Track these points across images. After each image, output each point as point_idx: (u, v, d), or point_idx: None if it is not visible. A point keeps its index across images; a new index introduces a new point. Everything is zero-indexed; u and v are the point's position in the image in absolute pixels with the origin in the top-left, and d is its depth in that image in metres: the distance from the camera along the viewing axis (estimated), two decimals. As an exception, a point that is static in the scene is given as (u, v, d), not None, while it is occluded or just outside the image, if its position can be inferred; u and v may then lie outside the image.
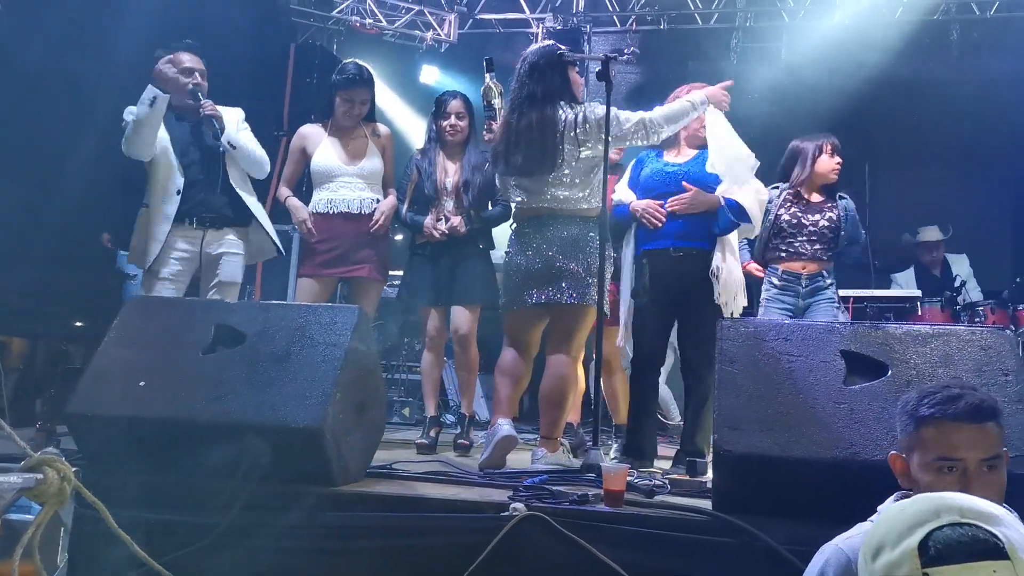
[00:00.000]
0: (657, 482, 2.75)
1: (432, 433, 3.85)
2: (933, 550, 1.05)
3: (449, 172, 3.95)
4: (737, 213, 3.36)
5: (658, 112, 3.24)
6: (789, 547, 2.04)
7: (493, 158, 3.33)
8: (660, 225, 3.43)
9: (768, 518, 2.15)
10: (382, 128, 4.05)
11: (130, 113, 3.55)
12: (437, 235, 3.83)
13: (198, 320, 2.66)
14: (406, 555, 2.29)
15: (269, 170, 3.89)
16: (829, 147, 3.96)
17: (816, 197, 3.99)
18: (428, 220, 3.86)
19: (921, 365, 2.25)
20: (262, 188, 5.33)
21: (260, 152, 3.80)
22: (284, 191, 3.95)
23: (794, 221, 3.92)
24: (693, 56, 7.31)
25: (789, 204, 3.96)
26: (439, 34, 7.39)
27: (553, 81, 3.21)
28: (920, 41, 6.76)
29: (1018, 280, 4.34)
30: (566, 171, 3.15)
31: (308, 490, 2.38)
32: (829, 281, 3.93)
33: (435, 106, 4.04)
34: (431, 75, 7.35)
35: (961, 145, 6.57)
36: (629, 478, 2.62)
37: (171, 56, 3.69)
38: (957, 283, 5.78)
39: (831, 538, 1.53)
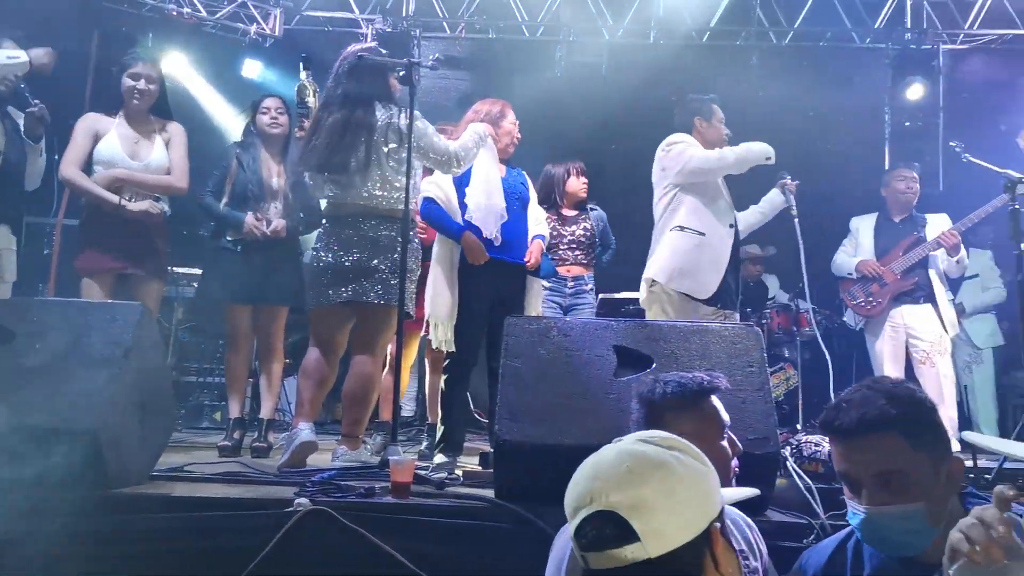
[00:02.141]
0: (451, 474, 2.84)
1: (236, 435, 3.76)
2: (584, 539, 1.19)
3: (273, 172, 3.89)
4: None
5: (459, 148, 3.37)
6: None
7: (304, 154, 3.30)
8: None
9: (546, 504, 2.27)
10: (173, 125, 3.93)
11: None
12: (259, 235, 3.77)
13: (-41, 317, 2.47)
14: (188, 556, 2.24)
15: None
16: (575, 170, 4.64)
17: (570, 212, 4.64)
18: (249, 218, 3.77)
19: (683, 357, 2.46)
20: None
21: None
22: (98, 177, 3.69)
23: (554, 233, 4.47)
24: (520, 67, 7.47)
25: (549, 220, 4.39)
26: (263, 28, 7.18)
27: (370, 82, 3.24)
28: (726, 65, 7.28)
29: (799, 286, 4.81)
30: (379, 171, 3.18)
31: (83, 494, 2.27)
32: (589, 286, 4.57)
33: (252, 107, 4.04)
34: (253, 69, 7.11)
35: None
36: (422, 471, 2.70)
37: None
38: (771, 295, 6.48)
39: None
